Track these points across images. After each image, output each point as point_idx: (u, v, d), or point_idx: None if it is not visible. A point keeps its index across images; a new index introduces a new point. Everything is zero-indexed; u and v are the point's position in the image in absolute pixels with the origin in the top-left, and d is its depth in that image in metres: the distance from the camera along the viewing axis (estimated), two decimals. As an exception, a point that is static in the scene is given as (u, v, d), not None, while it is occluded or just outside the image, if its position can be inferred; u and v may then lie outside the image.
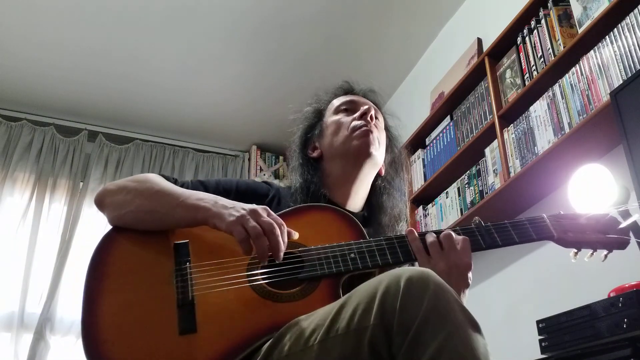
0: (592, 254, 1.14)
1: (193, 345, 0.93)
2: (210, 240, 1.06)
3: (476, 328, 0.74)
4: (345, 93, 1.43)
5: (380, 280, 0.79)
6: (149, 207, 1.06)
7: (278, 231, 0.97)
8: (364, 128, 1.28)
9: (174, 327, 0.95)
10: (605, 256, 1.14)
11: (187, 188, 1.17)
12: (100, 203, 1.14)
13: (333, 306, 0.83)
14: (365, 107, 1.32)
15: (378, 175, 1.35)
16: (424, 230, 1.11)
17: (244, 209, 0.99)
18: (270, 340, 0.89)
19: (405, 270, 0.79)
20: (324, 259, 1.03)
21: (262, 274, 1.02)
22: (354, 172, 1.28)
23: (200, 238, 1.07)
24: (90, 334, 0.95)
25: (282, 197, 1.25)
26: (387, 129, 1.42)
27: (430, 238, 1.05)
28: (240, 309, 0.97)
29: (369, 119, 1.29)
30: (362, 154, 1.27)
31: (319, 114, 1.40)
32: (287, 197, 1.26)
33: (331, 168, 1.30)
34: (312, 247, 1.05)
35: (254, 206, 1.01)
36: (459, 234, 1.08)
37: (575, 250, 1.13)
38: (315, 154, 1.34)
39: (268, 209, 1.02)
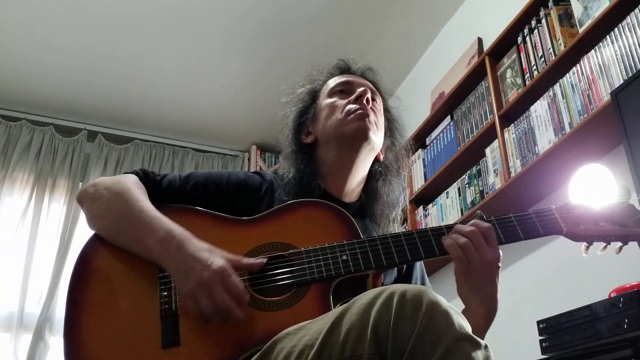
0: (605, 247, 1.03)
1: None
2: None
3: (474, 344, 0.72)
4: (342, 72, 1.33)
5: (372, 302, 0.75)
6: (117, 230, 1.03)
7: (233, 306, 0.90)
8: (360, 111, 1.19)
9: (157, 340, 0.92)
10: (620, 248, 1.04)
11: (174, 183, 1.14)
12: (80, 203, 1.12)
13: (324, 323, 0.78)
14: (361, 89, 1.22)
15: (376, 160, 1.27)
16: (436, 226, 1.03)
17: (197, 279, 0.90)
18: (258, 355, 0.85)
19: (398, 289, 0.75)
20: (314, 262, 0.97)
21: (249, 280, 0.97)
22: (350, 158, 1.20)
23: None
24: (72, 348, 0.93)
25: (275, 189, 1.19)
26: (386, 110, 1.33)
27: (462, 240, 0.97)
28: None
29: (364, 102, 1.20)
30: (358, 137, 1.18)
31: (313, 96, 1.31)
32: (280, 189, 1.19)
33: (326, 154, 1.22)
34: (303, 249, 1.00)
35: (210, 272, 0.90)
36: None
37: (587, 244, 1.03)
38: (309, 140, 1.26)
39: (227, 272, 0.91)
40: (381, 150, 1.28)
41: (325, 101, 1.26)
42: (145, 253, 0.99)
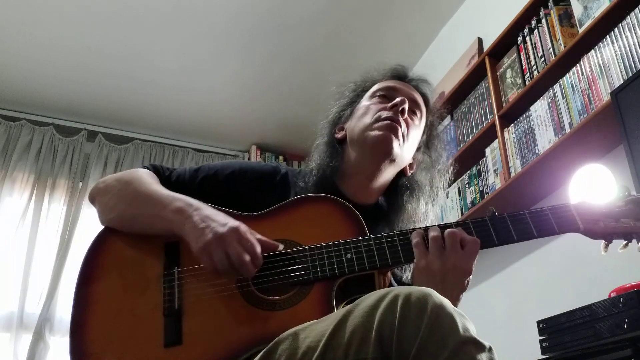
0: (627, 244, 0.99)
1: (177, 359, 0.90)
2: None
3: (479, 347, 0.71)
4: (397, 78, 1.28)
5: (376, 305, 0.75)
6: (131, 214, 1.03)
7: (248, 260, 0.91)
8: (388, 121, 1.13)
9: (159, 338, 0.92)
10: None
11: (183, 177, 1.14)
12: (92, 201, 1.13)
13: (327, 325, 0.78)
14: (400, 98, 1.17)
15: (403, 174, 1.22)
16: (430, 225, 1.00)
17: (214, 233, 0.92)
18: (259, 356, 0.85)
19: (402, 292, 0.74)
20: (318, 260, 0.96)
21: (252, 278, 0.96)
22: (370, 166, 1.16)
23: None
24: (77, 345, 0.94)
25: (290, 182, 1.17)
26: (430, 126, 1.28)
27: (433, 232, 0.95)
28: (229, 319, 0.93)
29: (399, 111, 1.15)
30: (379, 148, 1.13)
31: (361, 93, 1.27)
32: (295, 182, 1.17)
33: (350, 154, 1.19)
34: (307, 246, 0.98)
35: (226, 228, 0.93)
36: (470, 232, 0.96)
37: (606, 242, 0.98)
38: (340, 135, 1.23)
39: (242, 230, 0.94)
40: (410, 165, 1.24)
41: (364, 102, 1.23)
42: (163, 226, 0.99)
